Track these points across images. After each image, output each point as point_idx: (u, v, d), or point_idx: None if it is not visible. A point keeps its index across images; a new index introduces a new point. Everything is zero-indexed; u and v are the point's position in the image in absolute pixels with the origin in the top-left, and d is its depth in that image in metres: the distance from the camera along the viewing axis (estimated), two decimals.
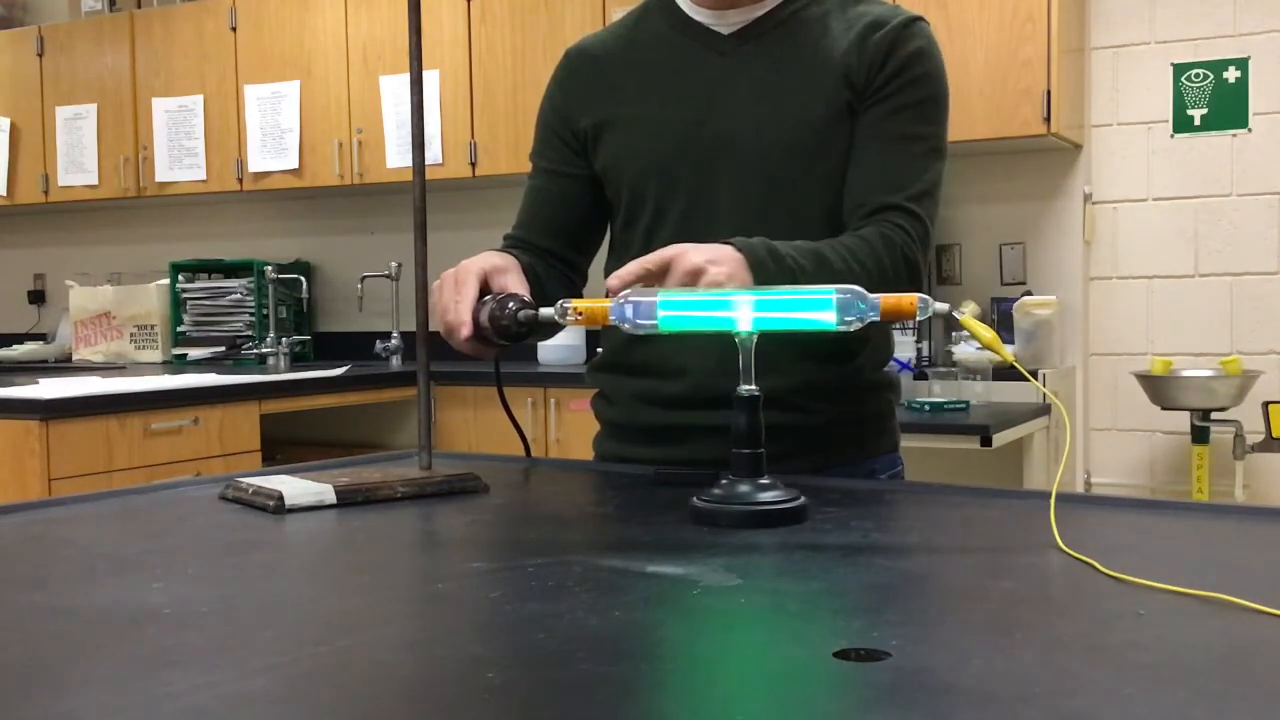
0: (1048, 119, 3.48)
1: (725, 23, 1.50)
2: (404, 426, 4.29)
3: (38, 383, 3.56)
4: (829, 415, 1.48)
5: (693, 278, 1.21)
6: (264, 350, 4.61)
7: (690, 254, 1.22)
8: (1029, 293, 3.80)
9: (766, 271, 1.27)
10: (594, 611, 0.81)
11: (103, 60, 5.09)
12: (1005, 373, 3.45)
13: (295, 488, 1.22)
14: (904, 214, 1.42)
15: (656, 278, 1.22)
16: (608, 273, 1.59)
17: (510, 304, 1.30)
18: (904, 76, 1.45)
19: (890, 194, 1.43)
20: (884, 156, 1.45)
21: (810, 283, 1.29)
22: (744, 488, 1.11)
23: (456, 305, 1.33)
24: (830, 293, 1.08)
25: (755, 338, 1.12)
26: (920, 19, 1.49)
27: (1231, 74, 3.73)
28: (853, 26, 1.47)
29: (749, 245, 1.29)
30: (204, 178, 4.88)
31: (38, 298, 5.82)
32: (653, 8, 1.57)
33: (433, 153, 4.38)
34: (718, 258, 1.24)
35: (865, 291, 1.09)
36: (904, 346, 3.53)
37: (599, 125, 1.54)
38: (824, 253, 1.35)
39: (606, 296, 1.19)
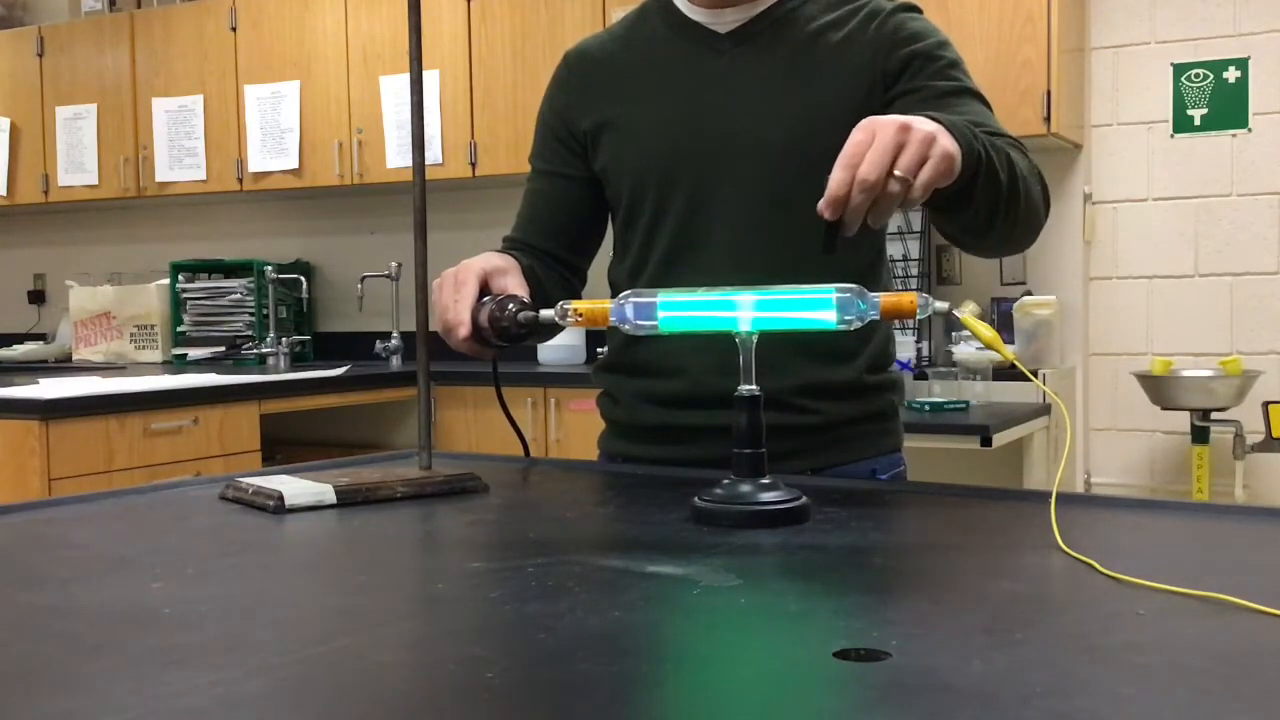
0: (1048, 119, 3.48)
1: (722, 22, 1.50)
2: (404, 426, 4.29)
3: (38, 383, 3.56)
4: (829, 415, 1.48)
5: (904, 133, 1.10)
6: (264, 350, 4.61)
7: (884, 125, 1.11)
8: (1029, 293, 3.80)
9: (964, 133, 1.18)
10: (594, 611, 0.81)
11: (103, 60, 5.09)
12: (1005, 373, 3.45)
13: (295, 488, 1.22)
14: (1010, 139, 1.36)
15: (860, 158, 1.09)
16: (609, 274, 1.60)
17: (510, 305, 1.30)
18: (926, 44, 1.44)
19: (985, 131, 1.34)
20: (961, 110, 1.37)
21: (994, 154, 1.23)
22: (745, 487, 1.11)
23: (456, 305, 1.33)
24: (830, 292, 1.08)
25: (755, 337, 1.12)
26: (914, 5, 1.50)
27: (1231, 74, 3.73)
28: (847, 22, 1.47)
29: (939, 114, 1.19)
30: (204, 178, 4.88)
31: (38, 298, 5.82)
32: (651, 8, 1.57)
33: (433, 153, 4.38)
34: (917, 118, 1.13)
35: (865, 290, 1.09)
36: (904, 346, 3.53)
37: (598, 126, 1.54)
38: (992, 141, 1.27)
39: (607, 300, 1.19)
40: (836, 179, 1.09)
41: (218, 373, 4.04)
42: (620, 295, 1.16)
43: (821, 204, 1.10)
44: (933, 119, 1.15)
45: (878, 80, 1.44)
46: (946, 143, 1.12)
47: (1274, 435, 3.41)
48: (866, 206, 1.10)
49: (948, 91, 1.41)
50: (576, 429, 3.82)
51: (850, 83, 1.44)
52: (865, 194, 1.09)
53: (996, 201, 1.25)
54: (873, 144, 1.09)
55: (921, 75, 1.43)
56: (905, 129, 1.10)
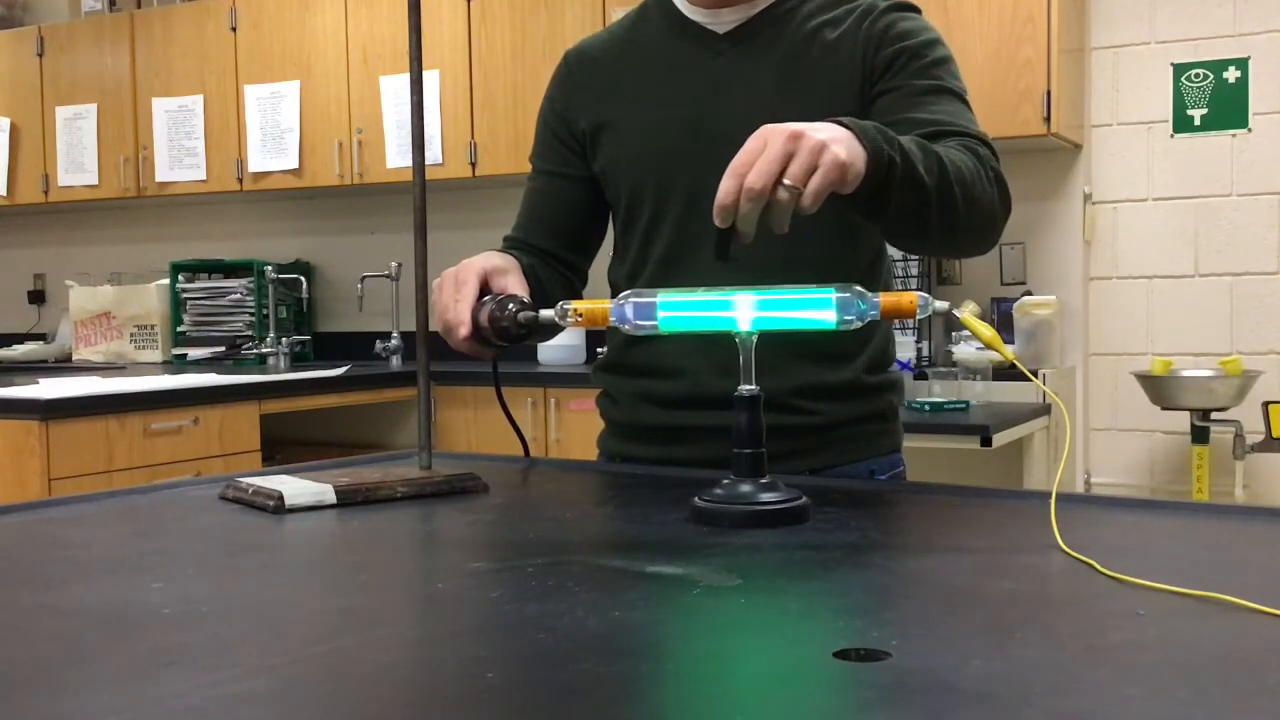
0: (1048, 119, 3.48)
1: (720, 22, 1.50)
2: (404, 426, 4.29)
3: (38, 383, 3.56)
4: (828, 416, 1.48)
5: (793, 142, 1.10)
6: (264, 350, 4.61)
7: (775, 133, 1.10)
8: (1029, 293, 3.80)
9: (873, 140, 1.16)
10: (594, 611, 0.81)
11: (103, 60, 5.09)
12: (1005, 373, 3.45)
13: (295, 488, 1.22)
14: (973, 139, 1.35)
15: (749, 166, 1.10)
16: (609, 275, 1.60)
17: (510, 305, 1.30)
18: (913, 42, 1.44)
19: (949, 130, 1.36)
20: (932, 109, 1.38)
21: (918, 159, 1.21)
22: (745, 488, 1.11)
23: (456, 304, 1.33)
24: (830, 292, 1.08)
25: (755, 337, 1.12)
26: (909, 4, 1.50)
27: (1231, 74, 3.73)
28: (843, 21, 1.47)
29: (852, 120, 1.18)
30: (204, 178, 4.88)
31: (38, 298, 5.82)
32: (650, 8, 1.57)
33: (433, 153, 4.38)
34: (817, 125, 1.12)
35: (865, 290, 1.09)
36: (904, 346, 3.53)
37: (598, 127, 1.54)
38: (925, 144, 1.26)
39: (607, 300, 1.19)
40: (724, 187, 1.10)
41: (218, 373, 4.04)
42: (620, 295, 1.16)
43: (713, 211, 1.12)
44: (843, 125, 1.15)
45: (866, 78, 1.44)
46: (839, 150, 1.11)
47: (1274, 435, 3.41)
48: (756, 214, 1.11)
49: (925, 90, 1.41)
50: (576, 429, 3.81)
51: (844, 81, 1.44)
52: (753, 202, 1.09)
53: (922, 205, 1.24)
54: (763, 153, 1.09)
55: (903, 74, 1.43)
56: (796, 137, 1.10)
